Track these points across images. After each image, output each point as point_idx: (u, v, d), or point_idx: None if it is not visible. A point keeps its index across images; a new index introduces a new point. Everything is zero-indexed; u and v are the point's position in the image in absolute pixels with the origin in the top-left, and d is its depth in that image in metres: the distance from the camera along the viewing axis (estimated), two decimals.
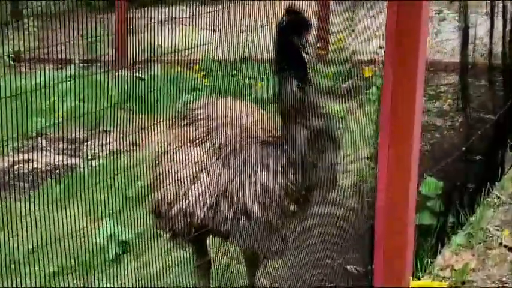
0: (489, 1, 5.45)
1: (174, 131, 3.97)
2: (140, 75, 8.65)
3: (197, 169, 3.55)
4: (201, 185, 3.51)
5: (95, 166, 6.18)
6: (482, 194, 4.83)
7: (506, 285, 4.02)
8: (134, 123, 7.20)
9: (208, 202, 3.49)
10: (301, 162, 3.42)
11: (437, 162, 5.23)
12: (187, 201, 3.53)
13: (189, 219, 3.57)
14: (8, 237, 4.43)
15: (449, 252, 4.32)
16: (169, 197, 3.63)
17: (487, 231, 4.44)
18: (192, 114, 3.86)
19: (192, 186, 3.52)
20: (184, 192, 3.54)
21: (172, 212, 3.62)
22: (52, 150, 6.93)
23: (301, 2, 10.52)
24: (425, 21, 3.40)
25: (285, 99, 3.38)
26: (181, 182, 3.58)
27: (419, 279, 4.14)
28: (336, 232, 5.33)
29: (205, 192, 3.50)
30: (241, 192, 3.44)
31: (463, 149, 4.93)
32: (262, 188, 3.43)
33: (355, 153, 6.79)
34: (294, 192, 3.47)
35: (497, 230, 4.44)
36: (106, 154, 6.54)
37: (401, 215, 3.57)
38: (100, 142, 6.91)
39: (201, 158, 3.58)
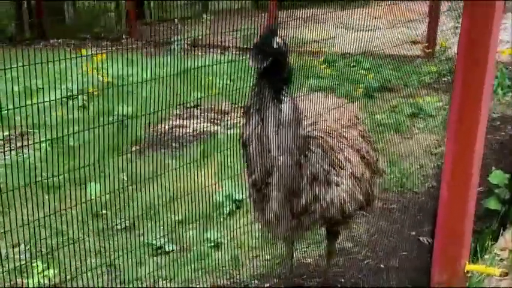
0: None
1: None
2: None
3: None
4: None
5: (230, 134, 5.90)
6: None
7: None
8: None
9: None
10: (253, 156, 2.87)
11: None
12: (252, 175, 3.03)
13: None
14: (154, 187, 4.26)
15: (510, 236, 3.72)
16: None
17: None
18: None
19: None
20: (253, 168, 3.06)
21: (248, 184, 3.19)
22: (202, 118, 6.72)
23: (412, 8, 9.55)
24: (496, 22, 2.83)
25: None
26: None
27: (481, 258, 3.60)
28: (414, 206, 4.81)
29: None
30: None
31: None
32: None
33: (442, 138, 6.18)
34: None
35: None
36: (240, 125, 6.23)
37: (461, 207, 3.05)
38: (238, 115, 6.63)
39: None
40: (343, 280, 3.78)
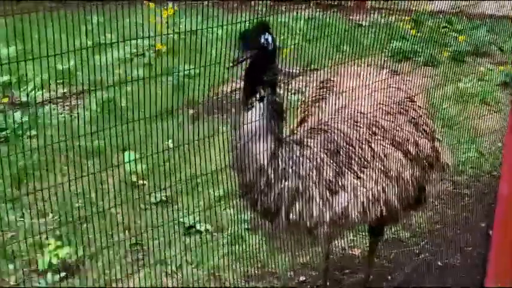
0: None
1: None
2: (360, 22, 7.70)
3: None
4: None
5: (292, 101, 5.47)
6: None
7: None
8: (342, 64, 6.36)
9: None
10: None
11: None
12: None
13: None
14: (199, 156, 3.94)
15: None
16: None
17: None
18: (328, 79, 2.96)
19: None
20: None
21: None
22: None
23: None
24: None
25: None
26: None
27: None
28: (490, 192, 4.24)
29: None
30: None
31: None
32: None
33: None
34: None
35: None
36: (305, 90, 5.80)
37: None
38: (307, 79, 6.17)
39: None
40: (390, 277, 3.34)
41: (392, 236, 3.64)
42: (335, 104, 2.67)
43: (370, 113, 2.64)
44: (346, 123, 2.58)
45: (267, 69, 2.44)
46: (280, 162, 2.43)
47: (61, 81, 5.95)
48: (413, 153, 2.70)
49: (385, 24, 7.08)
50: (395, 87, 2.82)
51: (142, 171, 4.14)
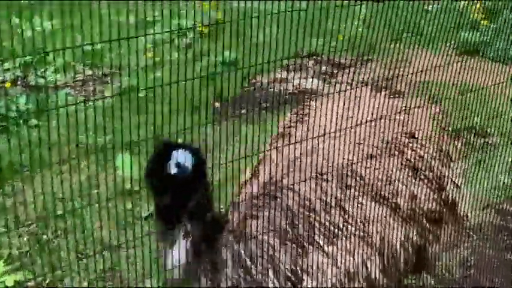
0: None
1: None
2: (427, 8, 6.88)
3: None
4: None
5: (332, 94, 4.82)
6: None
7: None
8: (401, 56, 5.63)
9: None
10: None
11: None
12: None
13: None
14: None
15: None
16: None
17: None
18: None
19: None
20: None
21: None
22: (312, 72, 5.70)
23: None
24: None
25: None
26: None
27: None
28: None
29: None
30: None
31: None
32: None
33: None
34: None
35: None
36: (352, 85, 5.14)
37: None
38: (358, 71, 5.48)
39: None
40: None
41: (413, 281, 3.03)
42: (295, 148, 2.07)
43: (343, 158, 2.03)
44: (306, 178, 1.99)
45: (192, 194, 1.84)
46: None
47: (88, 62, 5.57)
48: (407, 209, 2.08)
49: (456, 11, 6.26)
50: (389, 119, 2.19)
51: (140, 176, 3.68)
